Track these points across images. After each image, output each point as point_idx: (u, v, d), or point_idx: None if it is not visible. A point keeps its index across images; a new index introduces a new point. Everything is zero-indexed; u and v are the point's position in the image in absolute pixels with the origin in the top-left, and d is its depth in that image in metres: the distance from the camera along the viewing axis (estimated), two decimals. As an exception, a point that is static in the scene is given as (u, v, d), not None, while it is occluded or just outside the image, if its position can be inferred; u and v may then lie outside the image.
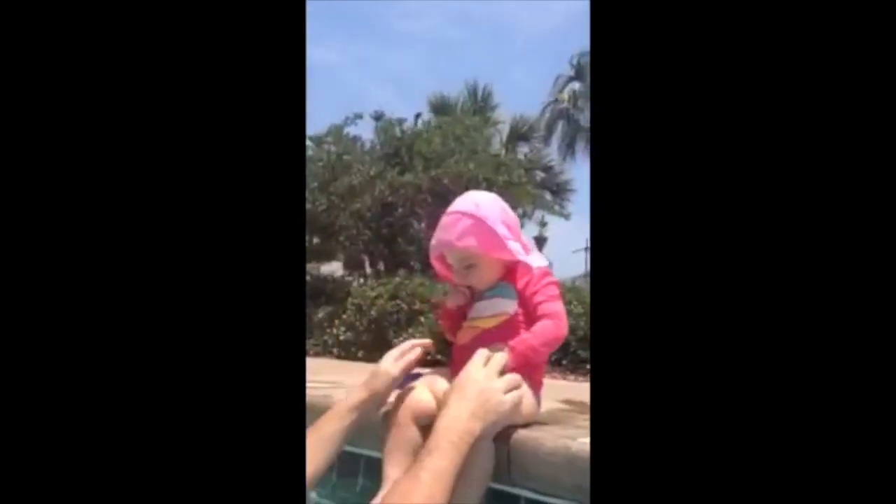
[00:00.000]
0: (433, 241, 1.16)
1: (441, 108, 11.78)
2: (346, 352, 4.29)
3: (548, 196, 9.65)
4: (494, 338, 1.08)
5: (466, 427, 0.87)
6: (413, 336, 4.02)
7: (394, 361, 1.10)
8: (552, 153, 12.38)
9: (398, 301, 4.28)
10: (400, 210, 5.16)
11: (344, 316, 4.37)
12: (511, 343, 1.04)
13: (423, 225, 5.40)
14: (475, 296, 1.17)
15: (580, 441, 0.93)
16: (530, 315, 1.10)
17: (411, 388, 1.09)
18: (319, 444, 0.99)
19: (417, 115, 5.94)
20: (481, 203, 1.11)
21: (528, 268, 1.12)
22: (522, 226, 6.76)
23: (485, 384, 0.93)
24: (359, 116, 5.40)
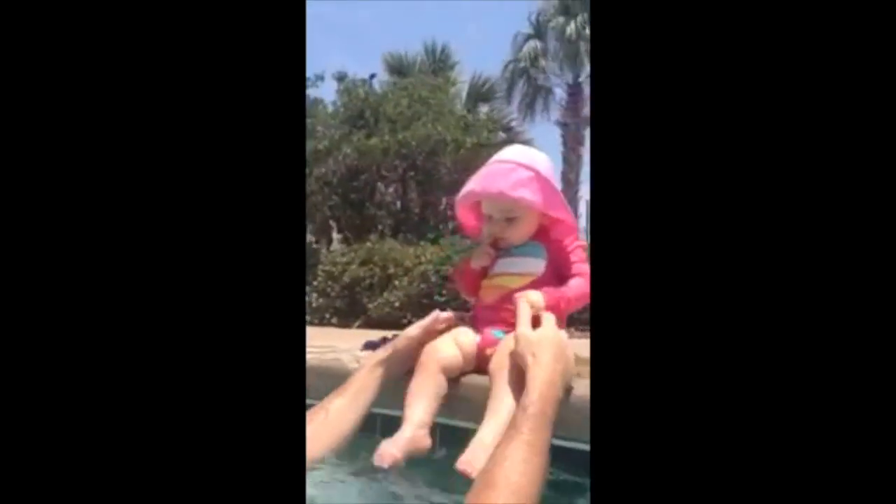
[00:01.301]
0: (471, 187, 1.09)
1: (398, 68, 11.50)
2: (320, 319, 4.28)
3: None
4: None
5: (558, 394, 0.87)
6: (388, 300, 4.05)
7: (416, 326, 1.12)
8: (513, 112, 12.33)
9: (371, 266, 4.27)
10: (365, 175, 5.09)
11: (315, 283, 4.34)
12: (545, 290, 1.02)
13: (390, 189, 5.36)
14: (500, 252, 1.13)
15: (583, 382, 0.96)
16: (560, 274, 1.08)
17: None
18: (353, 399, 1.01)
19: (372, 76, 5.79)
20: (536, 158, 1.08)
21: (572, 229, 1.10)
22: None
23: (565, 344, 0.94)
24: (320, 78, 5.24)
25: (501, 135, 6.09)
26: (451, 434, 1.04)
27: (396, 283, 4.09)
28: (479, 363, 1.05)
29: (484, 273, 1.16)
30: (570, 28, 11.74)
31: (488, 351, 1.03)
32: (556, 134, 12.55)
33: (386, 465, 0.91)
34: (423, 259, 4.11)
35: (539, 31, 12.45)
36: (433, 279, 3.94)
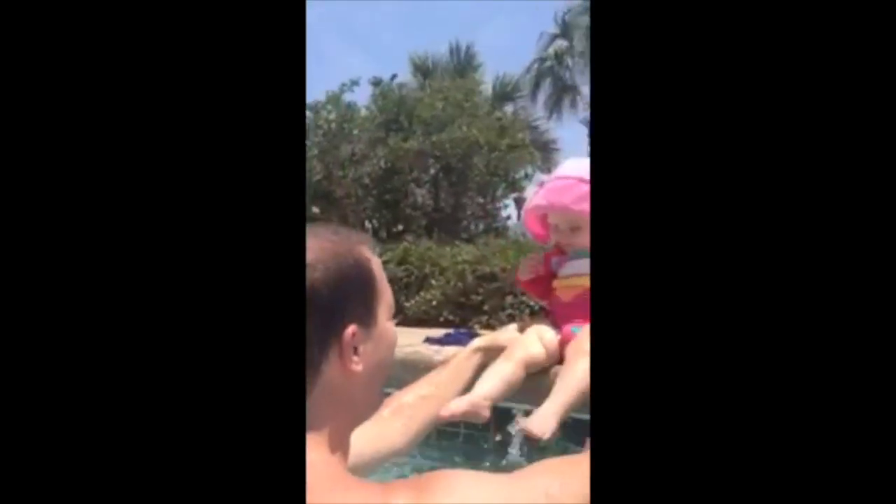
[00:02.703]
0: (538, 202, 1.25)
1: (423, 68, 11.60)
2: (359, 316, 4.38)
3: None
4: None
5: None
6: (425, 299, 4.15)
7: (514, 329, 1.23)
8: (537, 111, 12.34)
9: (407, 266, 4.37)
10: (397, 176, 5.21)
11: (354, 282, 4.45)
12: None
13: (422, 190, 5.46)
14: (569, 255, 1.27)
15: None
16: None
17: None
18: (454, 377, 1.11)
19: (393, 77, 5.88)
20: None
21: None
22: (524, 188, 6.87)
23: None
24: (355, 83, 5.37)
25: (524, 135, 6.16)
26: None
27: (433, 282, 4.18)
28: (562, 358, 1.16)
29: (552, 275, 1.29)
30: (597, 27, 11.74)
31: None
32: (583, 133, 12.60)
33: (446, 416, 1.00)
34: (458, 259, 4.20)
35: (566, 30, 12.48)
36: (469, 278, 4.03)
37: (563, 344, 1.16)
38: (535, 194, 1.30)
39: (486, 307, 3.90)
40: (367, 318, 0.61)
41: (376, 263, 0.64)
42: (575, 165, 1.24)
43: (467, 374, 1.14)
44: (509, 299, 3.82)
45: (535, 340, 1.16)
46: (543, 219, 1.29)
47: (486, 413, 1.02)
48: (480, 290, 3.94)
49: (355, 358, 0.59)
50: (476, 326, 3.67)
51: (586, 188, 1.17)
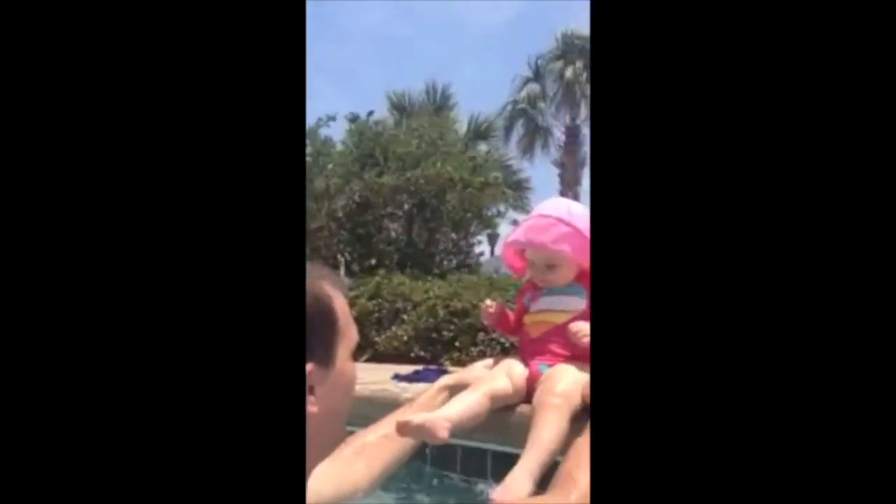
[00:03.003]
0: (517, 237, 1.27)
1: (400, 106, 11.79)
2: (329, 351, 4.32)
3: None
4: (562, 332, 1.19)
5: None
6: (396, 334, 4.12)
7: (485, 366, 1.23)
8: (510, 151, 12.62)
9: (379, 300, 4.35)
10: (371, 211, 5.23)
11: (324, 316, 4.40)
12: None
13: (395, 224, 5.47)
14: (542, 291, 1.28)
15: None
16: None
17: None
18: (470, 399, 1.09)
19: (370, 113, 5.98)
20: (574, 212, 1.23)
21: None
22: (496, 225, 6.95)
23: None
24: (332, 118, 5.43)
25: (498, 174, 6.28)
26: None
27: (405, 317, 4.16)
28: (529, 394, 1.16)
29: (524, 311, 1.30)
30: (569, 72, 12.19)
31: (536, 385, 1.14)
32: (553, 173, 12.92)
33: (400, 426, 0.98)
34: (431, 294, 4.20)
35: (538, 74, 12.92)
36: (441, 314, 4.02)
37: (531, 381, 1.16)
38: (515, 229, 1.32)
39: (457, 343, 3.89)
40: (325, 358, 0.59)
41: (339, 301, 0.62)
42: (556, 205, 1.27)
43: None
44: (481, 335, 3.82)
45: (502, 375, 1.16)
46: (521, 253, 1.31)
47: (445, 434, 0.98)
48: (452, 326, 3.94)
49: (311, 398, 0.57)
50: (447, 363, 3.65)
51: (566, 229, 1.19)
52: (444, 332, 3.96)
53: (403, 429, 0.99)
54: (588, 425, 0.91)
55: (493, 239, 9.48)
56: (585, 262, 1.20)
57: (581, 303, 1.22)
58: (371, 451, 1.02)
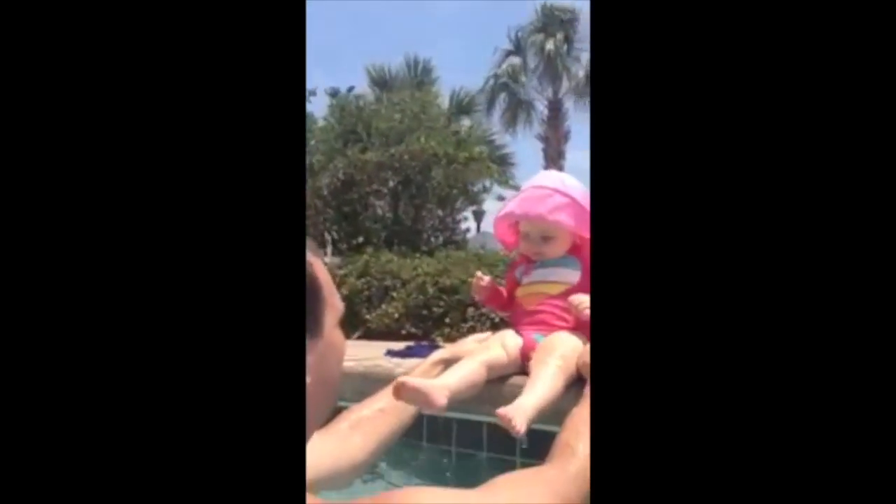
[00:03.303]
0: (512, 209, 1.25)
1: (380, 81, 11.63)
2: (318, 331, 4.30)
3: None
4: (556, 302, 1.19)
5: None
6: (387, 312, 4.11)
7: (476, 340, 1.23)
8: (493, 126, 12.54)
9: (368, 278, 4.33)
10: (356, 188, 5.16)
11: (313, 295, 4.37)
12: None
13: (381, 202, 5.43)
14: (535, 264, 1.27)
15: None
16: None
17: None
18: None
19: (350, 88, 5.87)
20: (568, 184, 1.22)
21: None
22: (482, 201, 6.92)
23: None
24: (312, 94, 5.32)
25: (483, 148, 6.24)
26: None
27: (394, 294, 4.15)
28: (523, 364, 1.15)
29: (516, 285, 1.29)
30: (550, 45, 12.06)
31: (531, 354, 1.14)
32: (537, 148, 12.86)
33: (396, 387, 0.97)
34: (419, 271, 4.19)
35: (519, 47, 12.77)
36: (430, 291, 4.02)
37: (526, 352, 1.16)
38: (508, 202, 1.30)
39: (447, 319, 3.89)
40: (312, 327, 0.56)
41: (321, 270, 0.60)
42: (550, 177, 1.26)
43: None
44: (471, 311, 3.82)
45: (497, 345, 1.16)
46: (514, 227, 1.29)
47: (442, 401, 0.98)
48: (442, 303, 3.93)
49: None
50: (438, 339, 3.65)
51: (562, 199, 1.18)
52: (435, 309, 3.96)
53: (400, 390, 0.97)
54: (585, 395, 0.90)
55: (478, 216, 9.45)
56: (584, 231, 1.19)
57: (575, 274, 1.22)
58: (367, 425, 1.01)
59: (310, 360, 0.57)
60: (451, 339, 3.61)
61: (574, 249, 1.24)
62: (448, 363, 1.14)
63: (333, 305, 0.61)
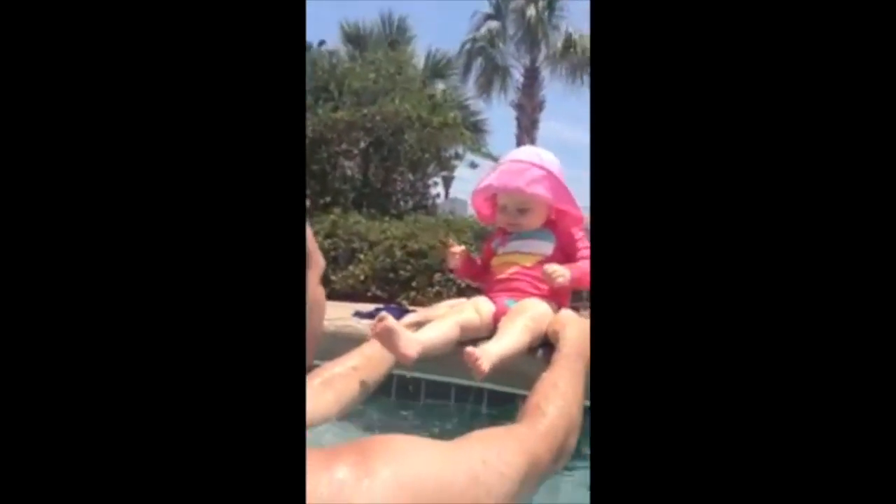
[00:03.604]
0: (490, 182, 1.27)
1: (354, 38, 11.29)
2: (283, 290, 4.27)
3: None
4: (529, 272, 1.23)
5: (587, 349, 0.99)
6: (353, 273, 4.10)
7: (447, 305, 1.25)
8: (468, 91, 12.39)
9: (335, 239, 4.29)
10: (325, 147, 5.06)
11: (278, 254, 4.32)
12: (570, 265, 1.19)
13: (351, 163, 5.34)
14: (511, 235, 1.31)
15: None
16: (567, 257, 1.25)
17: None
18: (380, 356, 1.10)
19: (321, 43, 5.66)
20: (545, 158, 1.25)
21: (578, 220, 1.28)
22: (454, 167, 6.88)
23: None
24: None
25: (457, 113, 6.18)
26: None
27: (361, 256, 4.13)
28: (495, 329, 1.18)
29: (491, 256, 1.31)
30: (531, 11, 11.89)
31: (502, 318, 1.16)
32: (510, 115, 12.79)
33: (371, 327, 0.99)
34: (388, 234, 4.17)
35: (499, 12, 12.54)
36: (398, 254, 4.02)
37: (498, 315, 1.19)
38: (486, 176, 1.33)
39: (414, 283, 3.91)
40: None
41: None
42: (527, 151, 1.29)
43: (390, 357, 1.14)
44: (437, 276, 3.85)
45: (470, 308, 1.19)
46: (492, 200, 1.32)
47: (413, 353, 0.99)
48: (409, 267, 3.94)
49: None
50: (404, 302, 3.67)
51: (539, 172, 1.21)
52: (402, 273, 3.97)
53: (380, 328, 0.98)
54: (554, 361, 0.93)
55: (447, 181, 9.43)
56: (560, 203, 1.22)
57: (549, 247, 1.26)
58: (339, 382, 1.03)
59: None
60: (417, 303, 3.63)
61: (549, 223, 1.28)
62: (419, 326, 1.16)
63: (316, 262, 0.61)
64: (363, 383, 1.04)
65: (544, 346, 1.12)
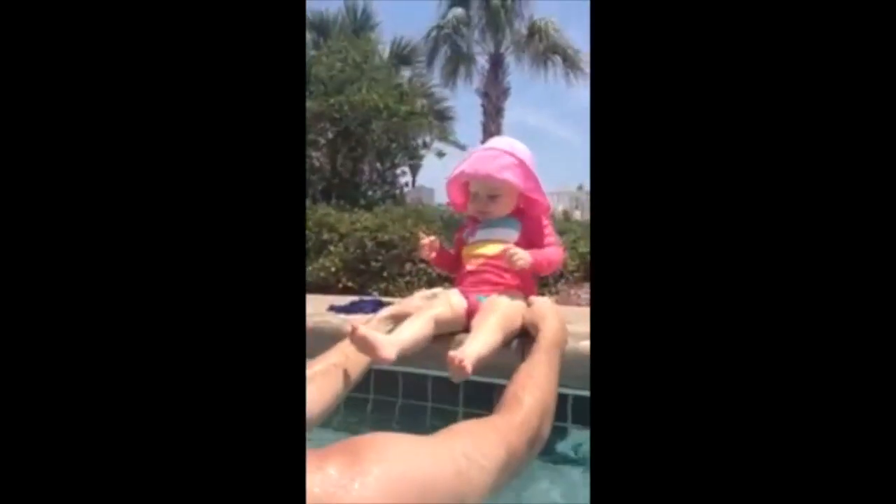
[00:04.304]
0: (463, 168, 1.30)
1: (318, 25, 11.07)
2: (252, 283, 4.22)
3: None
4: (496, 263, 1.26)
5: (564, 337, 1.06)
6: (323, 265, 4.08)
7: (419, 297, 1.27)
8: (434, 79, 12.31)
9: (305, 231, 4.26)
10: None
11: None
12: (532, 250, 1.22)
13: (319, 153, 5.28)
14: (480, 224, 1.35)
15: (582, 343, 1.15)
16: (532, 244, 1.28)
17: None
18: (355, 356, 1.11)
19: None
20: (517, 147, 1.29)
21: (546, 209, 1.32)
22: (422, 156, 6.87)
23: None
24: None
25: (424, 102, 6.16)
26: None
27: (332, 248, 4.11)
28: (467, 324, 1.21)
29: (462, 247, 1.36)
30: (494, -2, 11.88)
31: (474, 314, 1.20)
32: (476, 103, 12.78)
33: (350, 331, 1.00)
34: (357, 225, 4.16)
35: (463, -1, 12.48)
36: (368, 245, 4.02)
37: (470, 311, 1.22)
38: (460, 163, 1.36)
39: (384, 274, 3.92)
40: None
41: None
42: (500, 141, 1.33)
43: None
44: (408, 266, 3.87)
45: (442, 302, 1.21)
46: (465, 188, 1.35)
47: (390, 355, 1.01)
48: (380, 257, 3.95)
49: None
50: (375, 293, 3.68)
51: (510, 160, 1.25)
52: (373, 263, 3.97)
53: (354, 337, 1.00)
54: (530, 352, 0.97)
55: (414, 169, 9.41)
56: (529, 192, 1.28)
57: (514, 234, 1.30)
58: (319, 380, 1.04)
59: None
60: (388, 293, 3.65)
61: (517, 212, 1.32)
62: (397, 318, 1.18)
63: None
64: (344, 379, 1.06)
65: (519, 338, 1.16)
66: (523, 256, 1.19)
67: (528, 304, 1.20)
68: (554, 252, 1.30)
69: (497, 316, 1.12)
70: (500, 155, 1.26)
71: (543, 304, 1.18)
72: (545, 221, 1.33)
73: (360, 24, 11.38)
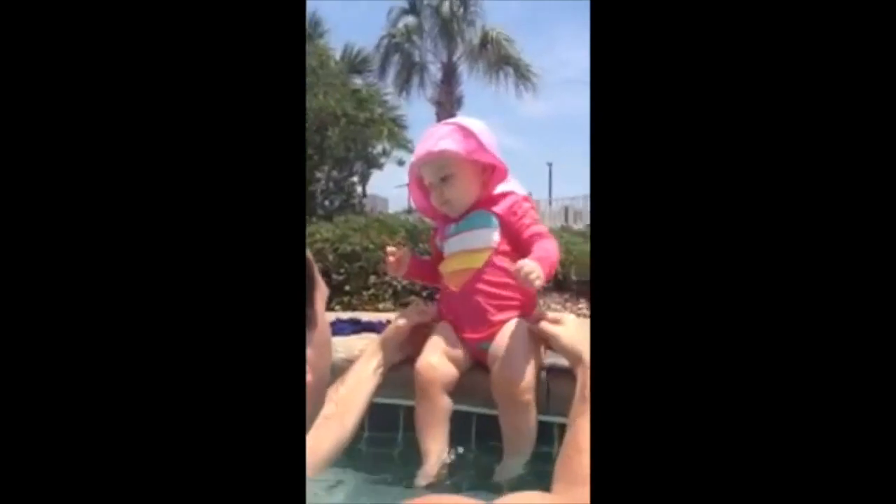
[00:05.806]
0: (411, 161, 1.14)
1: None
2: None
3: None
4: (487, 278, 1.07)
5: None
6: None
7: (403, 317, 1.15)
8: (386, 87, 12.23)
9: (260, 244, 4.05)
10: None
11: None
12: (533, 259, 0.99)
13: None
14: (450, 227, 1.13)
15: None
16: (518, 240, 1.07)
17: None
18: (356, 390, 1.03)
19: None
20: (462, 120, 1.11)
21: (504, 173, 1.10)
22: (382, 165, 6.72)
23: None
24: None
25: (380, 109, 6.04)
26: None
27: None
28: (476, 360, 1.09)
29: (440, 258, 1.15)
30: (445, 6, 11.87)
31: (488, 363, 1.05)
32: (430, 111, 12.75)
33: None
34: (317, 237, 3.98)
35: (414, 7, 12.42)
36: (330, 257, 3.84)
37: (475, 358, 1.08)
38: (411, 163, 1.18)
39: (347, 287, 3.75)
40: (309, 314, 0.50)
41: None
42: (448, 120, 1.14)
43: (369, 385, 1.06)
44: (372, 279, 3.71)
45: (444, 362, 1.06)
46: (422, 184, 1.15)
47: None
48: (342, 270, 3.78)
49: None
50: (337, 307, 3.51)
51: (447, 129, 1.07)
52: (335, 276, 3.80)
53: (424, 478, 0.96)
54: (579, 413, 0.84)
55: (364, 178, 9.33)
56: (475, 156, 1.06)
57: (492, 234, 1.07)
58: (310, 439, 0.93)
59: (308, 354, 0.50)
60: (351, 307, 3.49)
61: (486, 201, 1.11)
62: (384, 352, 1.09)
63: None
64: (337, 435, 0.96)
65: (546, 370, 1.06)
66: (539, 275, 0.96)
67: (553, 322, 1.02)
68: (550, 246, 1.06)
69: (524, 407, 1.00)
70: (438, 128, 1.09)
71: (580, 331, 1.00)
72: (522, 207, 1.09)
73: (310, 31, 11.17)
